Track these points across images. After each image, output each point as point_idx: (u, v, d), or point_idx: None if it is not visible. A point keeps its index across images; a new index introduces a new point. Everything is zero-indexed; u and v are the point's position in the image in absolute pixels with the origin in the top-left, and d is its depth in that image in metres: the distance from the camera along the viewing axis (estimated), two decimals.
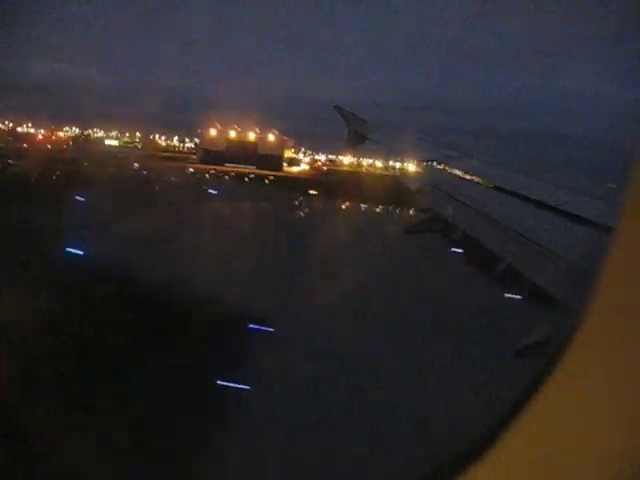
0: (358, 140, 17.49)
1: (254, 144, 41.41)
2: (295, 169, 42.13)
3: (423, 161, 12.65)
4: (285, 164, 42.33)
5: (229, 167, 39.77)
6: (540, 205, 7.49)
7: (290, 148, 42.98)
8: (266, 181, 38.18)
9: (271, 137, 41.75)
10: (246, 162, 40.10)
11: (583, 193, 7.39)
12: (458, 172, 11.28)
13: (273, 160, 41.01)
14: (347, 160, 41.46)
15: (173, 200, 28.05)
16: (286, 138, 41.53)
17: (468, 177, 10.90)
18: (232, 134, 41.39)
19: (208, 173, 38.46)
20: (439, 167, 11.82)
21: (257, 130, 41.38)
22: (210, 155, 40.89)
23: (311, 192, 34.53)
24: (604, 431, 1.38)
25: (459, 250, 9.12)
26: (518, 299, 7.37)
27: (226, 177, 38.44)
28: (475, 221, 8.41)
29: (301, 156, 42.81)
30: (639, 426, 1.36)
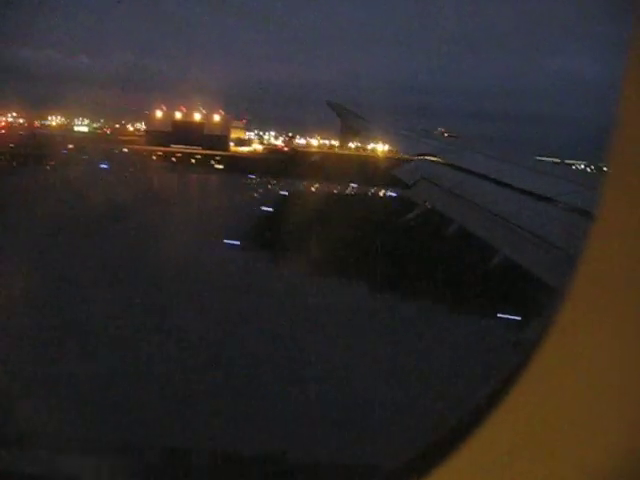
0: (351, 134, 17.46)
1: (200, 125, 41.72)
2: (245, 149, 42.55)
3: (416, 155, 12.62)
4: (233, 144, 42.95)
5: (175, 148, 40.17)
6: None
7: (240, 129, 43.48)
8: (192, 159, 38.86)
9: (217, 118, 41.90)
10: (192, 143, 40.35)
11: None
12: (452, 165, 11.26)
13: (219, 140, 41.39)
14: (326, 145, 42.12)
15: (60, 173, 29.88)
16: (236, 119, 42.01)
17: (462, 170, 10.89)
18: (178, 115, 41.79)
19: (131, 152, 38.83)
20: (431, 160, 11.79)
21: (203, 111, 41.81)
22: (156, 136, 41.20)
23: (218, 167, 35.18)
24: (583, 422, 1.40)
25: None
26: None
27: (153, 156, 38.70)
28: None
29: (261, 137, 43.55)
30: (618, 417, 1.37)
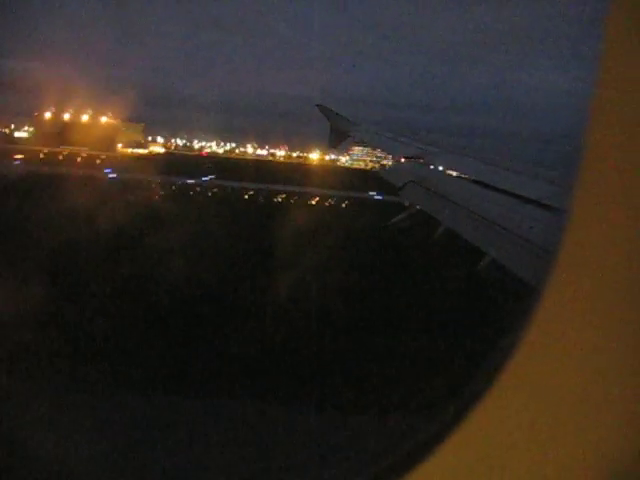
0: (340, 138, 17.51)
1: (87, 127, 42.90)
2: (140, 151, 44.00)
3: (404, 157, 12.69)
4: (122, 146, 44.23)
5: (62, 149, 41.35)
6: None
7: (137, 132, 45.06)
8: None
9: (104, 120, 43.39)
10: (79, 144, 41.57)
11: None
12: (439, 168, 11.34)
13: (105, 141, 42.61)
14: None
15: None
16: (133, 122, 43.43)
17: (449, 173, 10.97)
18: (66, 117, 42.86)
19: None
20: (419, 163, 11.87)
21: (90, 113, 43.03)
22: (45, 137, 42.27)
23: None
24: (565, 420, 1.45)
25: None
26: None
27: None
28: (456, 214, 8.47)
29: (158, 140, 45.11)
30: (602, 414, 1.43)
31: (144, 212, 25.44)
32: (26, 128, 46.01)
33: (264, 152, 50.18)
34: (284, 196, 35.21)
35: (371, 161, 58.15)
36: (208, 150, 48.02)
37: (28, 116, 44.53)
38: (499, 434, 1.52)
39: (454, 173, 11.10)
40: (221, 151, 49.30)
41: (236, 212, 30.25)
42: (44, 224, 19.49)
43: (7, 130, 45.74)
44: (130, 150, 45.41)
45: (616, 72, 1.39)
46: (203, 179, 35.11)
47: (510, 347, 1.47)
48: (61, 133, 42.57)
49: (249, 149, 50.09)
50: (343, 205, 35.06)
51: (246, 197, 34.65)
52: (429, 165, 11.83)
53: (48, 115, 43.60)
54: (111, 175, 34.51)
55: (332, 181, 37.11)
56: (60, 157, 40.88)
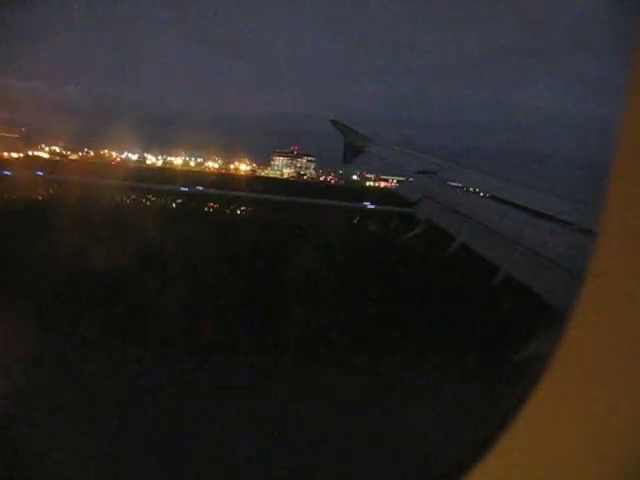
0: (354, 152, 17.57)
1: None
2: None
3: (416, 172, 12.71)
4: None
5: None
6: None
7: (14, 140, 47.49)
8: None
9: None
10: None
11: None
12: (454, 183, 11.35)
13: None
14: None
15: None
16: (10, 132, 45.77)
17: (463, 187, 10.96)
18: None
19: None
20: (431, 178, 11.88)
21: None
22: None
23: None
24: (594, 444, 1.44)
25: None
26: None
27: None
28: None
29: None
30: (630, 436, 1.41)
31: None
32: None
33: (196, 162, 53.55)
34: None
35: (289, 173, 60.62)
36: (120, 157, 50.94)
37: None
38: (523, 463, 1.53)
39: (470, 188, 11.08)
40: (151, 161, 52.04)
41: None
42: None
43: None
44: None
45: None
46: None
47: (541, 366, 1.49)
48: None
49: (178, 160, 53.03)
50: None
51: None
52: (444, 180, 11.83)
53: None
54: None
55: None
56: None
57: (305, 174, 64.69)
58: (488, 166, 11.70)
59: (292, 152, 64.78)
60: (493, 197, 9.61)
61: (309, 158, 65.78)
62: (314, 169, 65.40)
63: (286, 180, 58.17)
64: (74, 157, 49.19)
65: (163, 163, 50.21)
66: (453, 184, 11.38)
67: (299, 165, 65.94)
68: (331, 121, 19.04)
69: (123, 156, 50.15)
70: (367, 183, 61.72)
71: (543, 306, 4.77)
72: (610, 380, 1.40)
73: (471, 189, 10.95)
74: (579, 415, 1.44)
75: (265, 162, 62.34)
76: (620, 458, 1.39)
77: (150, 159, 50.09)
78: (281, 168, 64.15)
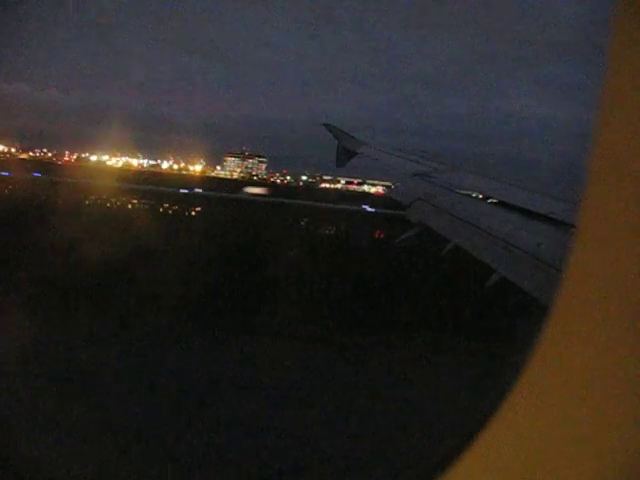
0: (348, 156, 17.53)
1: None
2: None
3: (410, 175, 12.64)
4: None
5: None
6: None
7: None
8: None
9: None
10: None
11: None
12: (448, 185, 11.26)
13: None
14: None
15: None
16: None
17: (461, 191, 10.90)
18: None
19: None
20: (427, 181, 11.81)
21: None
22: None
23: None
24: (575, 438, 1.44)
25: None
26: None
27: None
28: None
29: None
30: (612, 430, 1.40)
31: None
32: None
33: (151, 163, 56.19)
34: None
35: (241, 172, 62.84)
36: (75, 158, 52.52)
37: None
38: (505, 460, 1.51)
39: (464, 191, 11.02)
40: (113, 163, 54.61)
41: None
42: None
43: None
44: None
45: (617, 87, 1.40)
46: None
47: (521, 362, 1.52)
48: None
49: (135, 161, 55.34)
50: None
51: None
52: (438, 182, 11.76)
53: None
54: None
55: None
56: None
57: (256, 174, 65.33)
58: (480, 169, 11.67)
59: (243, 152, 66.04)
60: (489, 199, 9.53)
61: (260, 159, 66.61)
62: (265, 169, 66.05)
63: (223, 178, 59.35)
64: (24, 156, 50.25)
65: (116, 163, 52.27)
66: (448, 186, 11.31)
67: (249, 165, 66.56)
68: (324, 125, 19.00)
69: (83, 156, 51.62)
70: (322, 185, 63.22)
71: (537, 306, 4.71)
72: (593, 377, 1.42)
73: (467, 192, 10.88)
74: (559, 413, 1.45)
75: (219, 163, 64.22)
76: (605, 457, 1.40)
77: (107, 160, 52.02)
78: (233, 168, 65.58)
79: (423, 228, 9.54)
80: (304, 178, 61.79)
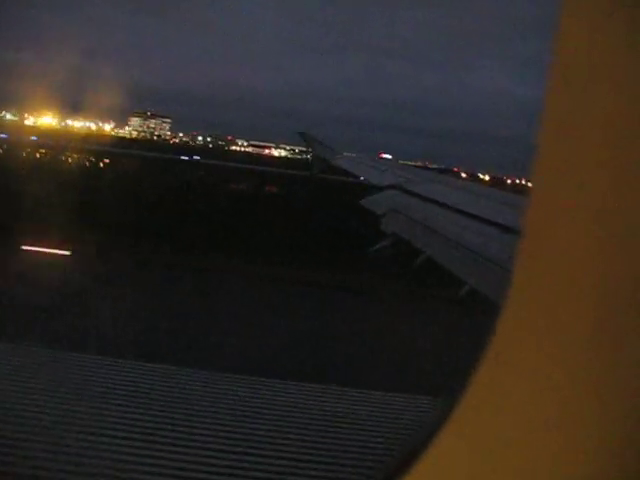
0: (322, 165, 17.67)
1: None
2: None
3: (384, 187, 12.84)
4: None
5: None
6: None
7: None
8: None
9: None
10: None
11: None
12: (419, 196, 11.47)
13: None
14: None
15: None
16: None
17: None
18: None
19: None
20: (399, 191, 12.01)
21: None
22: None
23: None
24: (529, 436, 1.46)
25: None
26: None
27: None
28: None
29: None
30: (564, 424, 1.43)
31: None
32: None
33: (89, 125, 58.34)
34: None
35: (143, 132, 64.81)
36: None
37: None
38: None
39: (434, 201, 11.22)
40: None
41: None
42: None
43: None
44: None
45: (565, 73, 1.40)
46: None
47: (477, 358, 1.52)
48: None
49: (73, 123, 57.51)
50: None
51: None
52: (410, 193, 11.96)
53: None
54: None
55: None
56: None
57: (159, 135, 66.55)
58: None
59: (145, 113, 67.43)
60: (459, 210, 9.74)
61: (164, 120, 67.70)
62: (169, 130, 67.26)
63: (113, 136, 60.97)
64: None
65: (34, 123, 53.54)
66: (420, 197, 11.51)
67: (152, 126, 67.34)
68: (299, 134, 19.11)
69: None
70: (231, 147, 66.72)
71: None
72: (544, 375, 1.44)
73: (437, 202, 11.07)
74: (512, 412, 1.47)
75: (124, 122, 66.03)
76: (566, 451, 1.42)
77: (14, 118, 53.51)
78: (135, 128, 67.28)
79: (397, 239, 9.71)
80: (208, 139, 65.74)
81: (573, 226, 1.41)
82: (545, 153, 1.45)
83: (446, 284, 8.62)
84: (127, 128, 65.17)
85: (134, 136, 64.53)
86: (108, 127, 60.78)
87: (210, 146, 65.50)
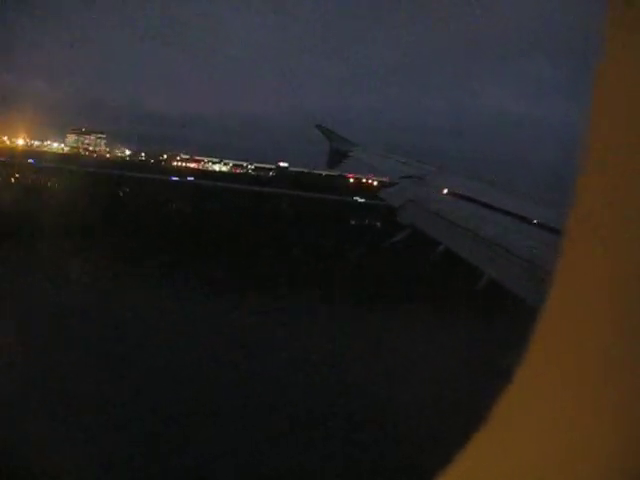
0: (339, 158, 17.58)
1: None
2: None
3: (401, 177, 12.72)
4: None
5: None
6: None
7: None
8: None
9: None
10: None
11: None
12: (439, 188, 11.35)
13: None
14: None
15: None
16: None
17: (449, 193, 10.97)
18: None
19: None
20: (418, 183, 11.89)
21: None
22: None
23: None
24: (572, 439, 1.44)
25: None
26: None
27: None
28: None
29: None
30: (608, 430, 1.40)
31: None
32: None
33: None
34: None
35: (76, 147, 68.65)
36: None
37: None
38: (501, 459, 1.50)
39: (454, 193, 11.10)
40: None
41: None
42: None
43: None
44: None
45: (611, 84, 1.38)
46: None
47: (513, 364, 1.51)
48: None
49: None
50: None
51: None
52: (429, 185, 11.84)
53: None
54: None
55: None
56: None
57: (95, 150, 71.05)
58: (466, 170, 11.76)
59: (80, 130, 71.78)
60: (480, 202, 9.62)
61: (99, 135, 72.56)
62: (105, 145, 71.44)
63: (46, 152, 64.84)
64: None
65: None
66: (439, 189, 11.39)
67: (87, 142, 71.76)
68: (317, 126, 19.03)
69: None
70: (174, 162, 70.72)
71: (525, 306, 4.79)
72: (585, 379, 1.42)
73: (459, 195, 10.95)
74: (553, 414, 1.45)
75: (62, 139, 70.87)
76: (602, 459, 1.38)
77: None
78: (72, 144, 72.00)
79: (414, 230, 9.62)
80: (142, 155, 70.81)
81: (619, 227, 1.39)
82: (593, 153, 1.43)
83: (465, 275, 8.51)
84: (62, 145, 70.69)
85: (66, 152, 69.81)
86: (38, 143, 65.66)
87: (151, 161, 70.74)
